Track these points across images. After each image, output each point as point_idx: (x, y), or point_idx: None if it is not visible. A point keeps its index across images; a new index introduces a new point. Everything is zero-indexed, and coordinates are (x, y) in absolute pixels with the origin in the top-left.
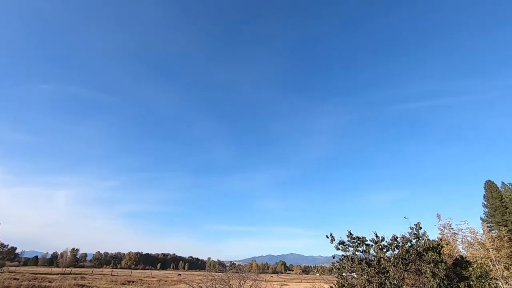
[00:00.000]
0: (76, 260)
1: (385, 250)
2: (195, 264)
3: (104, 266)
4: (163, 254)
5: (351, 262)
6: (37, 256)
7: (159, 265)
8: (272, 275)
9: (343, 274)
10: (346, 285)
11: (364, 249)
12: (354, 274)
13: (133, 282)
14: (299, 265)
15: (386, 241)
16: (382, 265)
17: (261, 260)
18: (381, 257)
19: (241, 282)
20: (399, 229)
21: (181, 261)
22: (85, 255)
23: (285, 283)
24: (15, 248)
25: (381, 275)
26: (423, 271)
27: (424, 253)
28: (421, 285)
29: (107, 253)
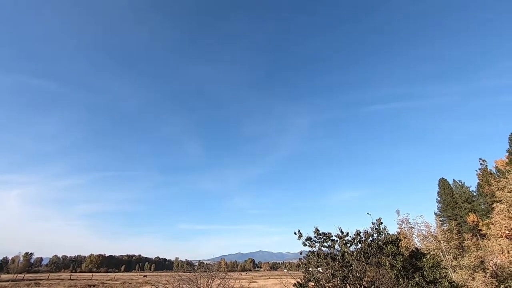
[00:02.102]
0: (30, 265)
1: (349, 244)
2: (162, 264)
3: (63, 270)
4: (128, 256)
5: (317, 258)
6: None
7: (123, 267)
8: (241, 273)
9: (310, 269)
10: (311, 279)
11: (330, 244)
12: (320, 269)
13: (94, 286)
14: (268, 262)
15: (350, 236)
16: (346, 259)
17: (230, 259)
18: (345, 252)
19: (209, 281)
20: (362, 225)
21: (147, 262)
22: (41, 259)
23: (254, 280)
24: None
25: (344, 269)
26: (382, 263)
27: (384, 247)
28: (380, 276)
29: (65, 256)
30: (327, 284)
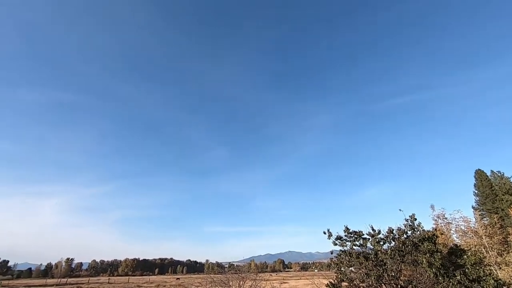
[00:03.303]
0: (72, 270)
1: (382, 243)
2: (193, 267)
3: (101, 274)
4: (161, 259)
5: (349, 257)
6: (30, 268)
7: (157, 270)
8: (271, 273)
9: (342, 269)
10: (345, 279)
11: (361, 243)
12: (352, 268)
13: None
14: (298, 263)
15: (383, 234)
16: (380, 258)
17: (259, 260)
18: (378, 250)
19: (241, 283)
20: (394, 222)
21: (179, 265)
22: (81, 264)
23: (285, 281)
24: (7, 261)
25: (379, 268)
26: (419, 261)
27: (420, 244)
28: (418, 275)
29: (103, 261)
30: (361, 284)
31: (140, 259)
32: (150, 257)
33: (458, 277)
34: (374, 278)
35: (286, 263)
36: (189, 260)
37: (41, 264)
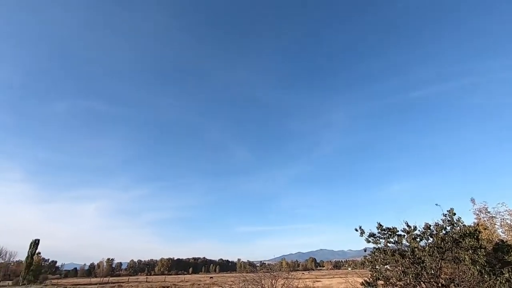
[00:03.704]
0: (112, 269)
1: (418, 239)
2: (225, 266)
3: (139, 273)
4: (194, 258)
5: (383, 254)
6: (76, 268)
7: (190, 269)
8: (303, 272)
9: (376, 267)
10: (380, 277)
11: (396, 240)
12: (387, 266)
13: (167, 287)
14: (330, 261)
15: (419, 230)
16: (417, 255)
17: (290, 258)
18: (415, 247)
19: (273, 281)
20: (430, 217)
21: (211, 264)
22: (120, 264)
23: (318, 279)
24: (55, 262)
25: (416, 266)
26: (461, 258)
27: (461, 240)
28: (460, 273)
29: (140, 261)
30: (398, 283)
31: (175, 258)
32: (183, 256)
33: (507, 275)
34: (412, 276)
35: (318, 261)
36: (221, 259)
37: (85, 264)
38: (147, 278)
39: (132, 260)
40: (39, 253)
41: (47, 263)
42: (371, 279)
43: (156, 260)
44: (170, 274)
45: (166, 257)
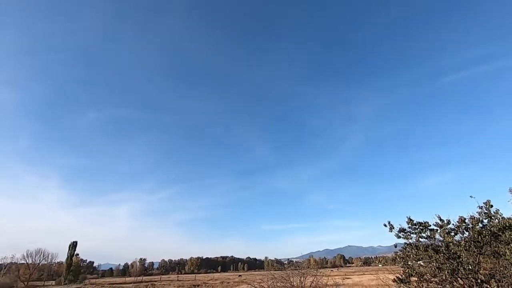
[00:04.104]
0: (145, 268)
1: (452, 233)
2: (253, 264)
3: (170, 272)
4: (222, 257)
5: (415, 250)
6: (111, 268)
7: (219, 267)
8: (332, 269)
9: (409, 263)
10: (413, 274)
11: (429, 234)
12: (421, 262)
13: (198, 286)
14: (359, 257)
15: (453, 224)
16: (452, 250)
17: (318, 255)
18: (449, 242)
19: (302, 279)
20: (464, 211)
21: (239, 262)
22: (152, 263)
23: (347, 276)
24: (93, 262)
25: (452, 261)
26: (501, 253)
27: (500, 233)
28: (501, 268)
29: (171, 260)
30: (433, 279)
31: (204, 257)
32: (211, 255)
33: None
34: (448, 272)
35: (347, 258)
36: (249, 257)
37: (119, 264)
38: (178, 276)
39: (163, 259)
40: (77, 254)
41: (85, 263)
42: (403, 276)
43: (186, 259)
44: (200, 273)
45: (195, 256)
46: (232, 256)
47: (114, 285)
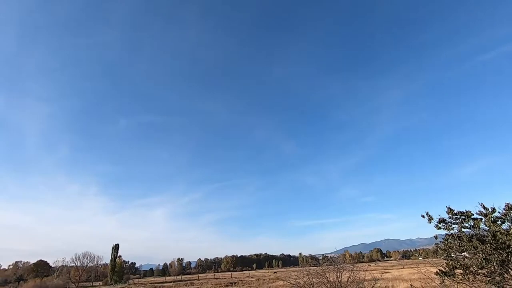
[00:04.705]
0: (183, 268)
1: (499, 222)
2: (287, 261)
3: (207, 271)
4: (256, 255)
5: (458, 241)
6: (152, 268)
7: (254, 265)
8: (369, 264)
9: (452, 254)
10: (458, 266)
11: (472, 224)
12: (465, 254)
13: (235, 283)
14: (397, 251)
15: (499, 212)
16: (500, 240)
17: (353, 250)
18: (496, 231)
19: (338, 274)
20: (510, 198)
21: (274, 259)
22: (189, 263)
23: (386, 270)
24: (134, 263)
25: (501, 251)
26: None
27: None
28: None
29: (207, 259)
30: (480, 271)
31: (238, 255)
32: (245, 253)
33: None
34: (496, 263)
35: (384, 252)
36: (283, 254)
37: (159, 265)
38: (215, 275)
39: (200, 258)
40: (120, 256)
41: (127, 264)
42: (447, 268)
43: (221, 258)
44: (236, 271)
45: (229, 254)
46: (266, 253)
47: (155, 285)
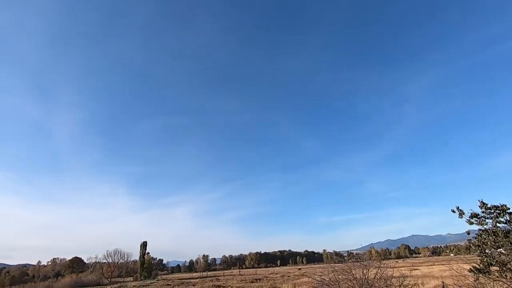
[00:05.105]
0: (208, 264)
1: None
2: (312, 257)
3: (232, 267)
4: (280, 251)
5: (493, 236)
6: (179, 265)
7: (278, 262)
8: (397, 260)
9: (486, 251)
10: (494, 263)
11: (508, 218)
12: (502, 250)
13: (260, 279)
14: (426, 247)
15: None
16: None
17: (379, 246)
18: None
19: (364, 271)
20: None
21: (298, 256)
22: (214, 259)
23: (415, 267)
24: (162, 260)
25: None
26: None
27: None
28: None
29: (231, 256)
30: None
31: (262, 252)
32: (268, 250)
33: None
34: None
35: (412, 248)
36: (307, 250)
37: (185, 261)
38: (239, 271)
39: (224, 255)
40: (148, 253)
41: (155, 261)
42: (481, 265)
43: (245, 255)
44: (260, 267)
45: (253, 251)
46: (289, 250)
47: (183, 280)
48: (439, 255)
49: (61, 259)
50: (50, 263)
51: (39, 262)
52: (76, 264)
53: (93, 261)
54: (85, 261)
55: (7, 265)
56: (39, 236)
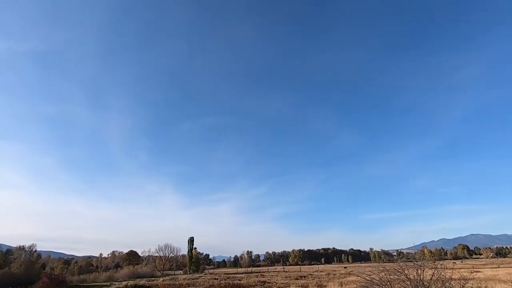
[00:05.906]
0: (252, 260)
1: None
2: (358, 256)
3: (275, 264)
4: (324, 249)
5: None
6: (224, 260)
7: (322, 259)
8: (454, 261)
9: None
10: None
11: None
12: None
13: (304, 277)
14: (489, 248)
15: None
16: None
17: (433, 246)
18: None
19: (419, 271)
20: None
21: (343, 254)
22: (258, 255)
23: (476, 269)
24: (208, 255)
25: None
26: None
27: None
28: None
29: (274, 252)
30: None
31: (305, 249)
32: (312, 247)
33: None
34: None
35: (472, 248)
36: (352, 249)
37: (230, 256)
38: (283, 268)
39: (268, 252)
40: (195, 248)
41: (202, 256)
42: None
43: (288, 252)
44: (304, 265)
45: (296, 248)
46: (334, 248)
47: (229, 275)
48: (504, 257)
49: (119, 252)
50: (110, 255)
51: (100, 254)
52: (132, 257)
53: (147, 254)
54: (140, 254)
55: (75, 256)
56: (98, 231)
